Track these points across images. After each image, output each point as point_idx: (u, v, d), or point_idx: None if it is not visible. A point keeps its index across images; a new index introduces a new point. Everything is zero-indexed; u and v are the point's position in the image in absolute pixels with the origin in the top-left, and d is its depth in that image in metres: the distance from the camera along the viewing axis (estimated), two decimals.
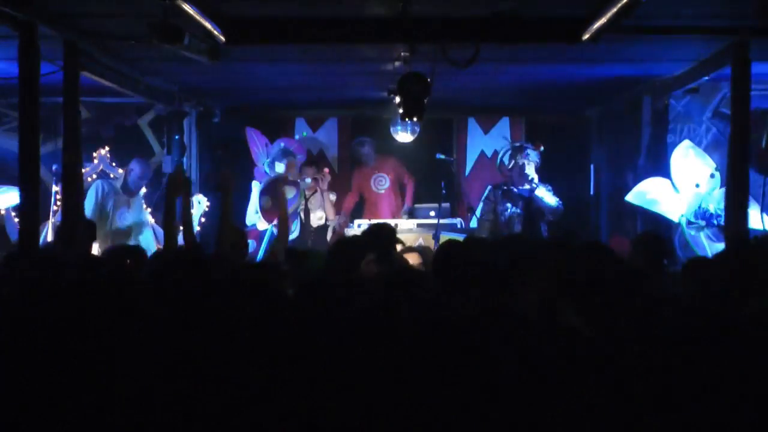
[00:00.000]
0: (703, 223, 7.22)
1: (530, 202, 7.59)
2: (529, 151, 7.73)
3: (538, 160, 7.73)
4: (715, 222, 7.13)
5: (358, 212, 9.63)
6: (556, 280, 3.35)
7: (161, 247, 6.02)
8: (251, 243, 8.47)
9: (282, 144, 9.32)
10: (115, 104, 8.76)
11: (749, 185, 5.83)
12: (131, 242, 7.26)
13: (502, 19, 5.00)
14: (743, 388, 2.34)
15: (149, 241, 7.76)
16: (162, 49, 4.83)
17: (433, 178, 9.15)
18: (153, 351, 2.62)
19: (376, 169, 9.70)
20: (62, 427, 2.40)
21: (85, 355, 2.57)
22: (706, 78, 6.66)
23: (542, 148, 7.83)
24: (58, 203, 6.95)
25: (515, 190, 7.66)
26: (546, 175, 9.23)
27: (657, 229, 7.34)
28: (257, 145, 9.35)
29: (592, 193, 9.80)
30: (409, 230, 8.19)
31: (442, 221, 8.00)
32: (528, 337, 2.59)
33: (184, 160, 8.88)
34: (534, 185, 7.57)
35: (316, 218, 8.58)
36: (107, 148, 8.39)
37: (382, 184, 9.75)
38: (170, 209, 4.53)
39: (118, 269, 4.04)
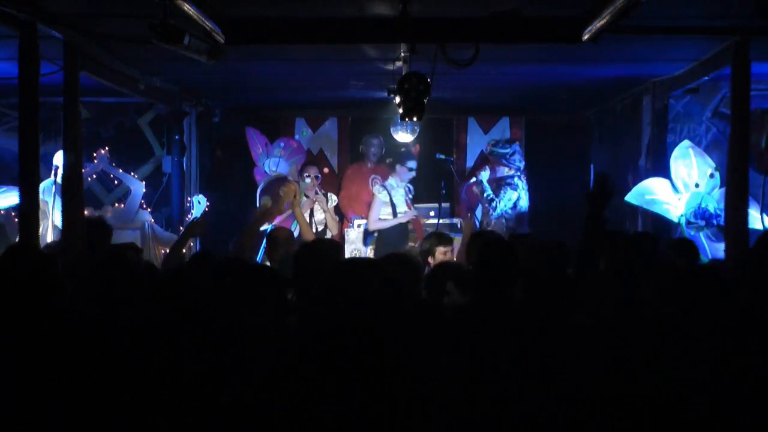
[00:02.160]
0: (702, 223, 7.22)
1: None
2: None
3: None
4: (715, 222, 7.12)
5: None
6: None
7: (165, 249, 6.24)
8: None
9: (281, 144, 9.32)
10: (115, 104, 8.76)
11: (749, 185, 5.83)
12: None
13: (502, 19, 5.00)
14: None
15: None
16: (162, 49, 4.82)
17: (433, 178, 9.17)
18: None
19: (373, 171, 9.65)
20: None
21: None
22: (706, 78, 6.66)
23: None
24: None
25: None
26: (546, 175, 9.28)
27: (651, 229, 7.37)
28: (257, 145, 9.35)
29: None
30: (408, 230, 8.19)
31: (441, 221, 8.00)
32: None
33: (184, 160, 8.89)
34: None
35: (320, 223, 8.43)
36: (107, 148, 8.39)
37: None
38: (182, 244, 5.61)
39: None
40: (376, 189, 8.42)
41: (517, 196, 8.01)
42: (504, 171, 8.12)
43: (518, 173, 8.17)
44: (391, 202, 8.33)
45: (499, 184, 8.08)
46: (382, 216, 8.26)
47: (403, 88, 5.76)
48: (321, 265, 3.62)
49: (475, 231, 6.87)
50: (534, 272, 3.70)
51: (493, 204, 7.90)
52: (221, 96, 9.17)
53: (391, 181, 8.49)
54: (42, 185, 7.37)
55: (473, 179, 8.18)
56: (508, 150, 8.16)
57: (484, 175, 8.06)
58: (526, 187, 8.19)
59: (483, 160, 8.61)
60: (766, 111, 7.29)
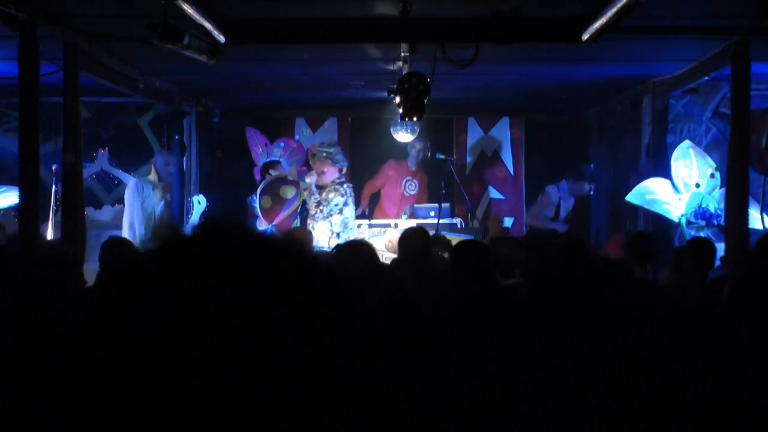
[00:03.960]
0: (703, 223, 7.22)
1: None
2: None
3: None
4: (715, 222, 7.12)
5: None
6: None
7: None
8: None
9: (281, 144, 9.31)
10: (115, 104, 8.76)
11: (749, 185, 5.83)
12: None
13: (502, 19, 5.00)
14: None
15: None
16: (162, 49, 4.82)
17: (433, 178, 9.17)
18: None
19: (410, 173, 9.79)
20: None
21: None
22: (706, 78, 6.66)
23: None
24: (59, 203, 6.94)
25: None
26: (545, 175, 9.28)
27: (651, 229, 7.37)
28: (257, 145, 9.34)
29: (592, 193, 9.81)
30: None
31: (441, 221, 8.00)
32: None
33: (184, 160, 8.88)
34: None
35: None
36: (107, 148, 8.39)
37: (411, 188, 9.82)
38: None
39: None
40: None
41: (343, 203, 7.97)
42: (334, 175, 8.08)
43: (343, 178, 8.15)
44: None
45: (327, 189, 8.08)
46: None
47: (403, 88, 5.76)
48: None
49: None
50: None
51: (320, 207, 7.98)
52: (221, 96, 9.17)
53: None
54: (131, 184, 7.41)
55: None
56: (332, 150, 8.16)
57: (310, 180, 8.09)
58: (351, 194, 8.10)
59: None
60: (766, 111, 7.29)
